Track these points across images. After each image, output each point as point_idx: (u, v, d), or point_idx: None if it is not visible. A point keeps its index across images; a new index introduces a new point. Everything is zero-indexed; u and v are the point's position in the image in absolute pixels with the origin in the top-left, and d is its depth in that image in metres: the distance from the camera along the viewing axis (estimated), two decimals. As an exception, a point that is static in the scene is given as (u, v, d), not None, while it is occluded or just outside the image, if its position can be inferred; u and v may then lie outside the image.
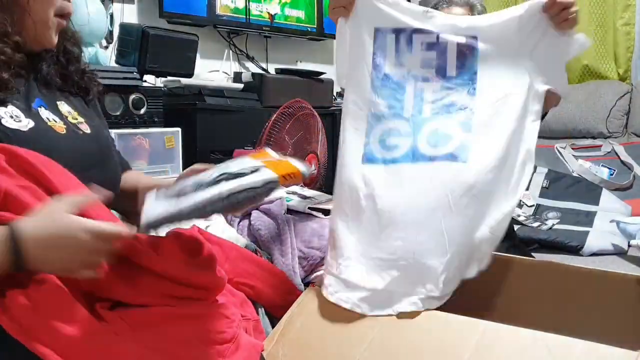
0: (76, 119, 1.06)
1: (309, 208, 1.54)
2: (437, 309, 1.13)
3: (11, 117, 0.94)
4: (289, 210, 1.52)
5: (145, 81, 2.27)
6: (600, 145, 2.90)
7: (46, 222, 0.80)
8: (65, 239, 0.80)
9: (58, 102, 1.07)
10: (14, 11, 0.98)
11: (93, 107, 1.19)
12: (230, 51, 3.03)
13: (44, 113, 1.01)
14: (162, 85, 2.47)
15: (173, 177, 1.29)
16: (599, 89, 3.08)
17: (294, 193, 1.61)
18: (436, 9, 1.69)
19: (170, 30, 2.38)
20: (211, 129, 2.38)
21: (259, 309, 1.15)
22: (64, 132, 1.01)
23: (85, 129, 1.07)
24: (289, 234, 1.43)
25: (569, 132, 3.08)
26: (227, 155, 2.17)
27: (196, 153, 2.32)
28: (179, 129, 2.20)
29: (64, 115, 1.05)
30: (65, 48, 1.12)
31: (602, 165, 2.78)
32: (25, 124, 0.95)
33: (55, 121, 1.02)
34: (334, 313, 1.14)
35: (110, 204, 0.98)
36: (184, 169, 1.93)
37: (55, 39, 1.07)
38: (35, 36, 1.04)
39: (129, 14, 2.63)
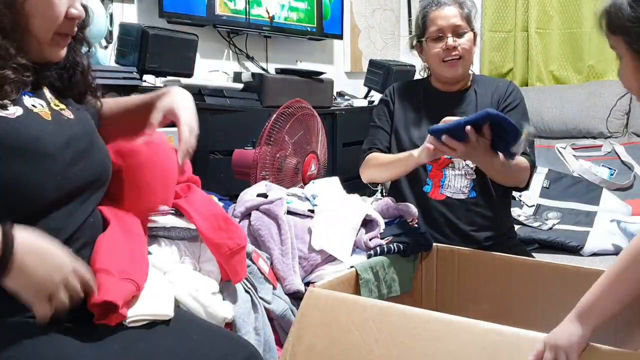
0: (58, 105, 1.07)
1: (308, 210, 1.54)
2: (436, 309, 1.13)
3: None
4: (290, 212, 1.52)
5: (145, 81, 2.27)
6: (601, 145, 2.90)
7: (40, 237, 0.87)
8: (53, 255, 0.87)
9: (43, 88, 1.08)
10: (16, 35, 0.99)
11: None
12: (230, 51, 3.02)
13: (29, 101, 1.01)
14: (162, 85, 2.46)
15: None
16: (600, 89, 3.08)
17: (294, 195, 1.61)
18: (426, 13, 1.83)
19: (170, 30, 2.37)
20: (211, 129, 2.37)
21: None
22: (50, 118, 1.01)
23: (69, 114, 1.07)
24: (289, 234, 1.42)
25: (569, 132, 3.08)
26: (227, 155, 2.17)
27: (196, 153, 2.31)
28: (179, 129, 2.19)
29: (48, 101, 1.06)
30: (74, 59, 1.12)
31: (602, 165, 2.78)
32: (13, 111, 0.96)
33: (42, 106, 1.02)
34: (337, 321, 1.14)
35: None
36: (183, 168, 1.93)
37: (63, 54, 1.07)
38: (42, 55, 1.04)
39: (129, 14, 2.62)
